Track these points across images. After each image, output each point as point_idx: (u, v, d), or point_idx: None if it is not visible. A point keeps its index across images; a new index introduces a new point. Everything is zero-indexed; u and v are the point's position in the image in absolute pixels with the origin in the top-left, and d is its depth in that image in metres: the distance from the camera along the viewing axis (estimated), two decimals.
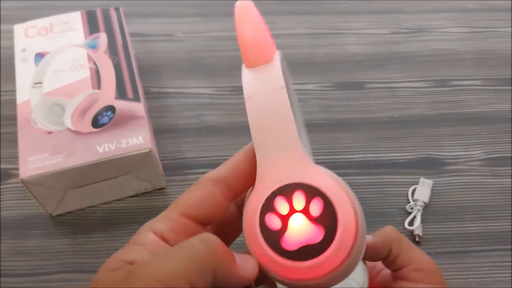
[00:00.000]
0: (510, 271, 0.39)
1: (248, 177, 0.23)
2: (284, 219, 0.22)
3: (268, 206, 0.22)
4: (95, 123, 0.40)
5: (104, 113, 0.41)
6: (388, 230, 0.28)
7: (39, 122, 0.40)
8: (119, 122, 0.40)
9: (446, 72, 0.53)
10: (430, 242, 0.41)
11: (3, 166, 0.44)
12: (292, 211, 0.22)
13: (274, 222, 0.22)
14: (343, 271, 0.21)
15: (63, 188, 0.40)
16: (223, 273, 0.20)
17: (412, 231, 0.41)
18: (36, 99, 0.42)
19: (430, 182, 0.43)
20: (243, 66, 0.25)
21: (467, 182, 0.45)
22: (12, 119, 0.42)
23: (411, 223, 0.41)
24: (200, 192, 0.22)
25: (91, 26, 0.47)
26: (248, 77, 0.25)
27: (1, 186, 0.43)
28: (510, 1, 0.61)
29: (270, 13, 0.59)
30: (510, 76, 0.53)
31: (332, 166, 0.46)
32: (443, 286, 0.27)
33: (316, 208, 0.21)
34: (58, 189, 0.39)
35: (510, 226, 0.42)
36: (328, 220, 0.21)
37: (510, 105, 0.50)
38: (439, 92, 0.52)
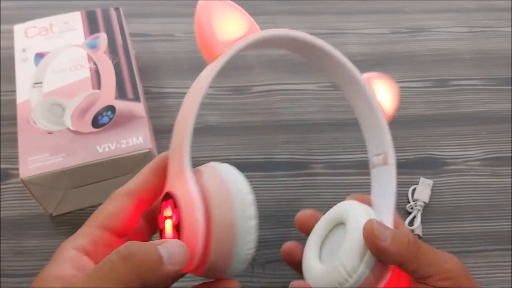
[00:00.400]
0: (510, 271, 0.40)
1: (154, 188, 0.26)
2: (162, 222, 0.25)
3: (159, 209, 0.25)
4: (95, 123, 0.40)
5: (104, 113, 0.41)
6: (402, 244, 0.27)
7: (39, 122, 0.40)
8: (119, 122, 0.41)
9: (446, 72, 0.53)
10: (430, 242, 0.41)
11: (3, 166, 0.45)
12: (166, 216, 0.25)
13: (160, 223, 0.25)
14: (207, 272, 0.24)
15: (63, 188, 0.40)
16: (149, 280, 0.21)
17: (412, 231, 0.41)
18: (36, 99, 0.42)
19: (430, 182, 0.43)
20: None
21: (467, 182, 0.45)
22: (12, 119, 0.42)
23: (411, 223, 0.41)
24: (114, 205, 0.25)
25: (91, 26, 0.47)
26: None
27: (1, 186, 0.43)
28: (510, 1, 0.61)
29: (269, 13, 0.59)
30: (510, 76, 0.53)
31: (332, 166, 0.46)
32: (473, 285, 0.27)
33: (175, 216, 0.24)
34: (58, 189, 0.40)
35: (510, 226, 0.42)
36: (179, 228, 0.24)
37: (510, 105, 0.50)
38: (439, 92, 0.52)
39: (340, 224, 0.31)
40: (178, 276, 0.23)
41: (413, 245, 0.27)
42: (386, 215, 0.31)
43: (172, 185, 0.25)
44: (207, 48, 0.27)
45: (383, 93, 0.34)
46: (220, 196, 0.24)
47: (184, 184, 0.24)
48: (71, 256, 0.23)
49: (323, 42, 0.31)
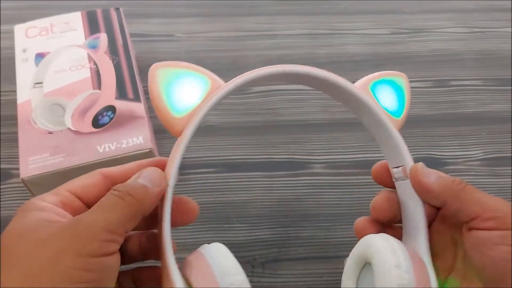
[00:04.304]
0: None
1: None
2: None
3: None
4: (96, 123, 0.41)
5: (105, 113, 0.41)
6: (446, 182, 0.27)
7: (39, 122, 0.40)
8: (120, 122, 0.41)
9: (446, 72, 0.53)
10: None
11: (3, 166, 0.45)
12: None
13: None
14: None
15: None
16: (147, 206, 0.24)
17: None
18: (37, 99, 0.42)
19: None
20: None
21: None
22: (13, 119, 0.42)
23: None
24: (89, 180, 0.26)
25: (92, 26, 0.48)
26: None
27: (2, 186, 0.43)
28: (510, 1, 0.61)
29: (270, 14, 0.59)
30: (510, 76, 0.53)
31: (332, 166, 0.46)
32: None
33: None
34: None
35: None
36: None
37: (510, 105, 0.51)
38: (439, 92, 0.52)
39: (368, 264, 0.28)
40: (162, 195, 0.25)
41: (458, 184, 0.27)
42: (418, 240, 0.28)
43: (162, 278, 0.25)
44: (166, 125, 0.26)
45: (390, 95, 0.30)
46: None
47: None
48: (46, 206, 0.24)
49: (303, 68, 0.28)
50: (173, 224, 0.26)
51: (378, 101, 0.29)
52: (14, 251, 0.21)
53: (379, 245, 0.26)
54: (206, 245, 0.26)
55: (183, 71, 0.26)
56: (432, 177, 0.27)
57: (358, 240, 0.29)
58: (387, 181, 0.31)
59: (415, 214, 0.28)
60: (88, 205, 0.25)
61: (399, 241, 0.27)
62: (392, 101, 0.30)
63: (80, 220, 0.22)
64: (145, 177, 0.24)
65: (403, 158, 0.29)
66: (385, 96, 0.30)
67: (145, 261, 0.29)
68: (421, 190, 0.28)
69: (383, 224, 0.31)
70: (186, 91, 0.26)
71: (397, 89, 0.30)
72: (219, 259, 0.24)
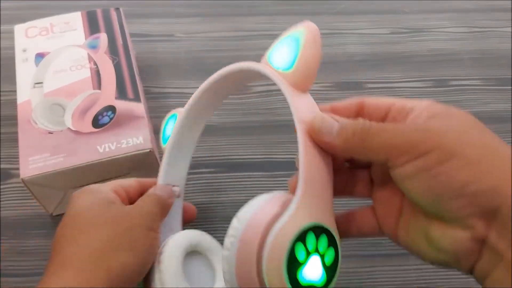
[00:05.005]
0: None
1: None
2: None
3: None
4: (96, 123, 0.41)
5: (105, 113, 0.41)
6: (347, 136, 0.25)
7: (39, 122, 0.40)
8: (120, 122, 0.41)
9: (445, 72, 0.54)
10: None
11: (3, 166, 0.45)
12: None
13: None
14: None
15: (64, 188, 0.40)
16: (168, 208, 0.34)
17: None
18: (37, 99, 0.42)
19: None
20: None
21: None
22: (13, 119, 0.42)
23: None
24: (130, 181, 0.35)
25: (92, 26, 0.48)
26: None
27: (2, 186, 0.43)
28: (510, 1, 0.61)
29: (270, 14, 0.59)
30: (509, 76, 0.53)
31: None
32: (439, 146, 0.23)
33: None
34: (59, 189, 0.40)
35: None
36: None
37: (509, 104, 0.51)
38: (438, 92, 0.52)
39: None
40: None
41: (359, 135, 0.25)
42: None
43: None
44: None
45: (284, 54, 0.28)
46: None
47: None
48: (105, 190, 0.32)
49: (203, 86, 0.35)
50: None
51: (272, 65, 0.28)
52: (92, 219, 0.30)
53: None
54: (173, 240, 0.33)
55: (170, 116, 0.37)
56: (333, 132, 0.25)
57: (358, 240, 0.29)
58: None
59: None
60: (129, 198, 0.34)
61: (276, 196, 0.27)
62: (286, 58, 0.28)
63: (141, 206, 0.32)
64: (161, 190, 0.34)
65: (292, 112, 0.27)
66: (278, 57, 0.28)
67: None
68: (326, 148, 0.26)
69: None
70: (168, 128, 0.37)
71: (293, 43, 0.27)
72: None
